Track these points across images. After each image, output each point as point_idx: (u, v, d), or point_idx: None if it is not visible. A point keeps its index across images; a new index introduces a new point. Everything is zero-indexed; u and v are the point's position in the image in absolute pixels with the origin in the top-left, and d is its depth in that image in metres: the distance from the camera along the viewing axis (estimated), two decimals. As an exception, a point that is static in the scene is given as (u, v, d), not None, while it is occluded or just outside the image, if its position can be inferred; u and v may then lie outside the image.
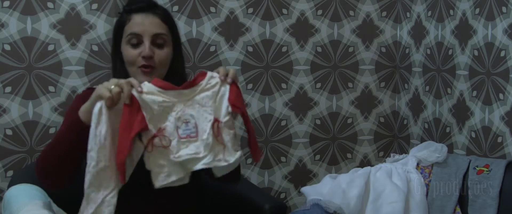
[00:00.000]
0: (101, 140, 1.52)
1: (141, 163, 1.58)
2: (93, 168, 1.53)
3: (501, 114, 2.35)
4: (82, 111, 1.58)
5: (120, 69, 1.81)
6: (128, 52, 1.76)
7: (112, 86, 1.53)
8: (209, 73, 1.63)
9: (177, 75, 1.82)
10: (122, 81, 1.56)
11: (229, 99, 1.60)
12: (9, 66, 2.40)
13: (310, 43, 2.82)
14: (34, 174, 1.84)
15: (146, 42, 1.73)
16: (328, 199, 2.23)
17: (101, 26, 2.50)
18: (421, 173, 2.36)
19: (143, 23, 1.74)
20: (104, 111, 1.53)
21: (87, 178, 1.53)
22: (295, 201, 2.88)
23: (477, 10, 2.44)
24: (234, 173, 1.73)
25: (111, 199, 1.55)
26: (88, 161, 1.53)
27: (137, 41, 1.75)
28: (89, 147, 1.53)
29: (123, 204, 1.62)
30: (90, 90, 1.84)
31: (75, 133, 1.58)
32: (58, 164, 1.61)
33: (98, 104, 1.53)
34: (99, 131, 1.52)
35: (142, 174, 1.59)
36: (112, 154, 1.54)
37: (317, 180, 2.85)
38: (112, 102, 1.53)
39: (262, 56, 2.75)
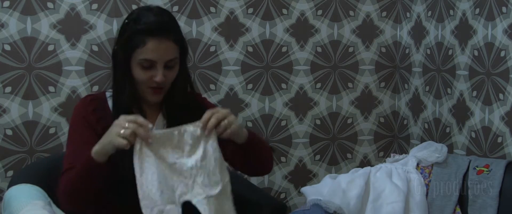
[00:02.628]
0: (148, 187, 1.57)
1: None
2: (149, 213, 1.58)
3: (501, 114, 2.35)
4: (94, 152, 1.59)
5: (128, 84, 1.78)
6: (140, 74, 1.74)
7: (122, 131, 1.55)
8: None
9: (183, 83, 1.83)
10: (131, 123, 1.56)
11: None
12: (9, 66, 2.40)
13: (310, 43, 2.82)
14: (34, 174, 1.85)
15: (160, 69, 1.72)
16: (328, 199, 2.23)
17: (101, 27, 2.50)
18: (421, 173, 2.36)
19: (157, 50, 1.71)
20: (139, 158, 1.57)
21: None
22: (295, 201, 2.88)
23: (477, 10, 2.44)
24: (263, 166, 1.86)
25: None
26: (143, 210, 1.56)
27: (149, 65, 1.72)
28: (140, 196, 1.56)
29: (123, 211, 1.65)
30: (89, 97, 1.86)
31: (94, 175, 1.62)
32: (83, 197, 1.67)
33: (136, 155, 1.57)
34: (145, 179, 1.57)
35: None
36: (163, 196, 1.58)
37: (317, 180, 2.85)
38: (130, 143, 1.56)
39: (262, 56, 2.75)
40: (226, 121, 1.62)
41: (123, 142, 1.53)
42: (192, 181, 1.60)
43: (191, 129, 1.61)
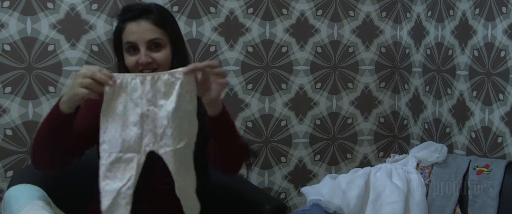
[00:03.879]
0: (111, 132, 1.55)
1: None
2: (106, 160, 1.56)
3: (501, 114, 2.35)
4: (62, 102, 1.62)
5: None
6: (128, 60, 1.81)
7: (83, 80, 1.56)
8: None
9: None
10: (91, 72, 1.57)
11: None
12: (9, 66, 2.40)
13: (310, 44, 2.82)
14: (34, 174, 1.85)
15: (142, 50, 1.77)
16: (328, 199, 2.23)
17: (101, 27, 2.50)
18: (421, 173, 2.36)
19: (136, 32, 1.78)
20: (107, 103, 1.56)
21: (101, 170, 1.56)
22: (295, 201, 2.88)
23: (477, 10, 2.44)
24: (234, 162, 1.82)
25: (127, 190, 1.56)
26: (101, 154, 1.57)
27: (134, 48, 1.79)
28: (100, 139, 1.57)
29: None
30: None
31: (54, 122, 1.65)
32: (45, 148, 1.70)
33: (104, 101, 1.56)
34: (110, 123, 1.56)
35: (140, 176, 1.60)
36: (124, 144, 1.56)
37: (317, 180, 2.85)
38: (94, 93, 1.56)
39: (262, 56, 2.75)
40: (220, 70, 1.61)
41: (83, 91, 1.55)
42: (162, 132, 1.57)
43: (166, 77, 1.57)
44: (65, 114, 1.62)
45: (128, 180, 1.56)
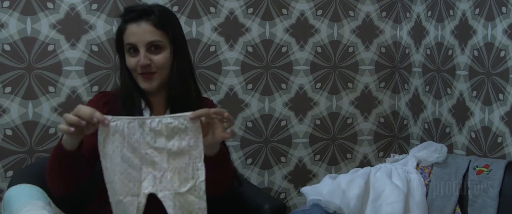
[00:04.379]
0: (110, 175, 1.57)
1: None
2: (111, 200, 1.59)
3: (501, 114, 2.35)
4: (63, 140, 1.62)
5: (127, 76, 1.86)
6: (128, 61, 1.82)
7: (69, 117, 1.54)
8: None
9: (178, 75, 1.84)
10: (80, 110, 1.54)
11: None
12: (9, 66, 2.40)
13: (310, 44, 2.82)
14: (34, 174, 1.85)
15: (141, 52, 1.78)
16: (328, 199, 2.23)
17: (101, 27, 2.50)
18: (421, 173, 2.36)
19: (136, 33, 1.79)
20: (102, 144, 1.56)
21: (112, 206, 1.60)
22: (295, 201, 2.88)
23: (477, 10, 2.44)
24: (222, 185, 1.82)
25: None
26: (108, 193, 1.59)
27: (134, 49, 1.80)
28: (105, 179, 1.58)
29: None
30: (102, 93, 1.95)
31: (60, 159, 1.65)
32: (59, 178, 1.72)
33: (99, 142, 1.56)
34: (110, 165, 1.57)
35: None
36: (123, 187, 1.57)
37: (317, 180, 2.85)
38: (80, 131, 1.54)
39: (262, 56, 2.75)
40: (230, 116, 1.58)
41: (64, 128, 1.52)
42: (161, 175, 1.57)
43: (168, 121, 1.55)
44: (68, 150, 1.62)
45: None
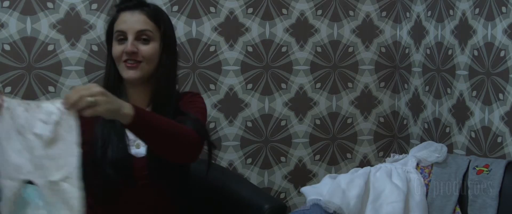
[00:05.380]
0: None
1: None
2: None
3: (501, 114, 2.35)
4: None
5: (111, 66, 1.86)
6: (114, 48, 1.81)
7: None
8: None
9: (165, 70, 1.83)
10: None
11: None
12: (9, 66, 2.40)
13: (310, 43, 2.82)
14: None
15: (130, 38, 1.78)
16: (327, 199, 2.23)
17: (101, 26, 2.49)
18: (421, 173, 2.36)
19: (128, 21, 1.79)
20: None
21: None
22: (295, 201, 2.88)
23: (477, 10, 2.44)
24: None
25: None
26: None
27: (123, 37, 1.80)
28: None
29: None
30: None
31: None
32: None
33: None
34: None
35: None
36: (3, 170, 1.53)
37: (317, 180, 2.85)
38: None
39: (262, 56, 2.75)
40: (91, 99, 1.44)
41: None
42: (39, 161, 1.51)
43: (46, 105, 1.49)
44: None
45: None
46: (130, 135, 1.82)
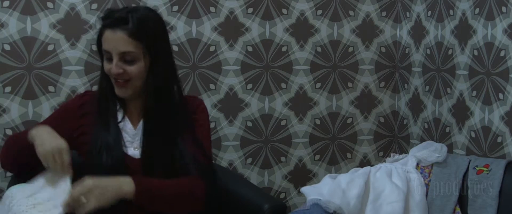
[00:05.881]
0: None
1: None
2: None
3: (501, 113, 2.35)
4: (31, 136, 1.77)
5: (104, 77, 1.89)
6: (105, 66, 1.83)
7: (50, 157, 1.72)
8: None
9: (154, 85, 1.83)
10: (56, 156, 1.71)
11: None
12: (9, 66, 2.40)
13: (310, 43, 2.82)
14: (34, 174, 1.85)
15: (114, 61, 1.78)
16: (327, 199, 2.23)
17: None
18: (421, 173, 2.36)
19: (111, 40, 1.78)
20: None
21: None
22: (295, 201, 2.88)
23: (477, 10, 2.44)
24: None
25: None
26: None
27: (109, 57, 1.80)
28: None
29: None
30: (83, 93, 2.00)
31: (22, 150, 1.81)
32: (11, 158, 1.88)
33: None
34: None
35: None
36: None
37: (317, 180, 2.85)
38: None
39: (262, 56, 2.75)
40: (84, 200, 1.61)
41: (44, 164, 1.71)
42: None
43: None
44: (31, 145, 1.74)
45: None
46: (127, 137, 1.83)
